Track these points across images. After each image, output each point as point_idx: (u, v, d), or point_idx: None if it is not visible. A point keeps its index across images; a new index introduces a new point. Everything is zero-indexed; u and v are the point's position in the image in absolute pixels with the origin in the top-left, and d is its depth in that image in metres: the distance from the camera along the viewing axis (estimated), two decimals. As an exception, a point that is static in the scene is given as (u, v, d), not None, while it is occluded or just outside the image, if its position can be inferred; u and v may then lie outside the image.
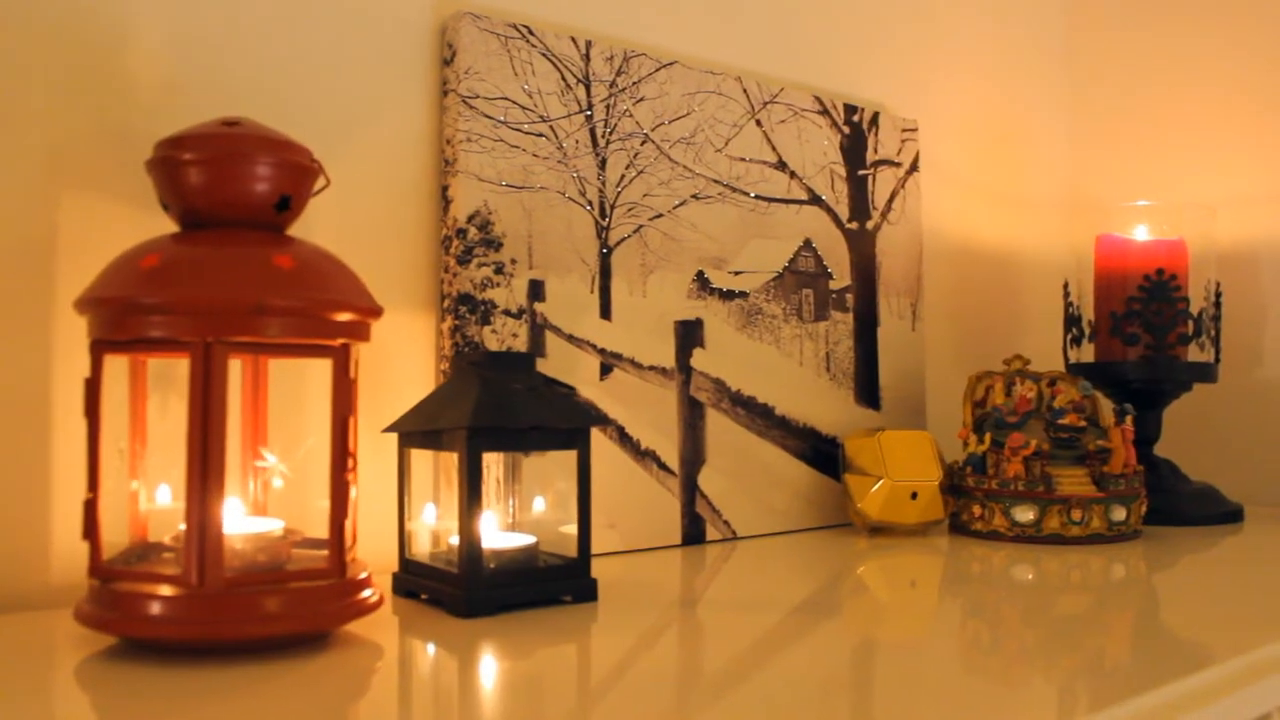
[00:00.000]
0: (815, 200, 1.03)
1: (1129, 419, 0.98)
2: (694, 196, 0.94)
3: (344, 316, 0.60)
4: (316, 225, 0.77)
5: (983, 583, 0.82)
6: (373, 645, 0.61)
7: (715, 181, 0.96)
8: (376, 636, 0.63)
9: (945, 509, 0.98)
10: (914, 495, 0.96)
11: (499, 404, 0.68)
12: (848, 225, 1.06)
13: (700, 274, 0.94)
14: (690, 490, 0.92)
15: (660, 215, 0.92)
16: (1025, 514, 0.94)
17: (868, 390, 1.06)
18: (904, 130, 1.12)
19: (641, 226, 0.91)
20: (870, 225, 1.08)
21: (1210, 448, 1.26)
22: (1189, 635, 0.65)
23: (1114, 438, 0.96)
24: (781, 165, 1.01)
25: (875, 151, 1.09)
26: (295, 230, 0.64)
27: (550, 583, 0.70)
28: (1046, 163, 1.37)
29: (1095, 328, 1.12)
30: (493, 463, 0.79)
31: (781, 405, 0.99)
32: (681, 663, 0.59)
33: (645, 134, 0.91)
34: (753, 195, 0.98)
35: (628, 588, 0.76)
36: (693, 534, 0.92)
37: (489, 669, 0.57)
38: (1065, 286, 1.14)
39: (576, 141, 0.87)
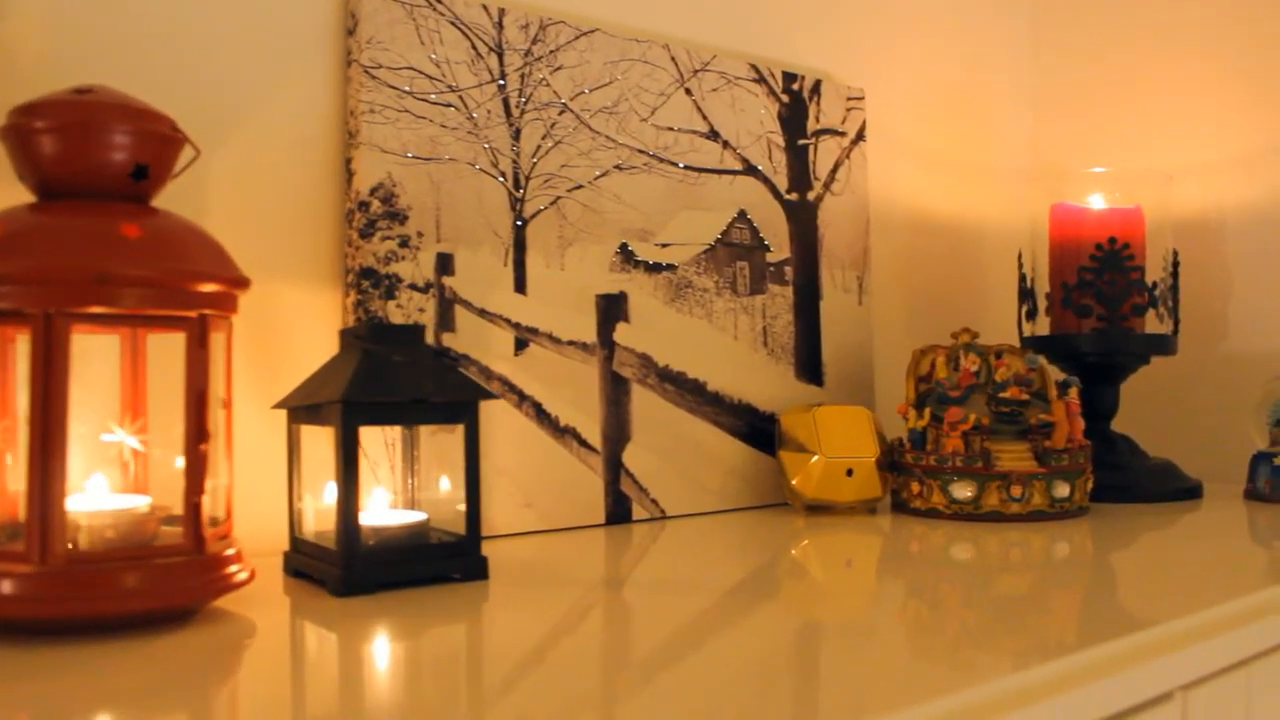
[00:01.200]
0: (751, 170, 1.00)
1: (1074, 391, 0.95)
2: (617, 167, 0.92)
3: (203, 287, 0.59)
4: (217, 200, 0.76)
5: (922, 562, 0.79)
6: (245, 622, 0.60)
7: (640, 152, 0.93)
8: (254, 614, 0.61)
9: (884, 486, 0.95)
10: (849, 472, 0.93)
11: (377, 377, 0.66)
12: (787, 196, 1.03)
13: (624, 246, 0.92)
14: (614, 468, 0.90)
15: (580, 186, 0.90)
16: (963, 491, 0.91)
17: (810, 366, 1.04)
18: (849, 99, 1.09)
19: (559, 198, 0.88)
20: (812, 196, 1.05)
21: (1170, 423, 1.22)
22: (1135, 613, 0.62)
23: (1057, 411, 0.93)
24: (714, 135, 0.98)
25: (817, 121, 1.06)
26: (191, 203, 0.63)
27: (437, 560, 0.68)
28: (1006, 131, 1.33)
29: (1050, 300, 1.08)
30: (395, 439, 0.78)
31: (714, 381, 0.96)
32: (582, 645, 0.57)
33: (564, 104, 0.89)
34: (681, 166, 0.96)
35: (536, 567, 0.74)
36: (618, 513, 0.90)
37: (362, 646, 0.56)
38: (1019, 257, 1.11)
39: (488, 112, 0.85)
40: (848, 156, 1.08)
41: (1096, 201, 1.08)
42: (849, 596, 0.68)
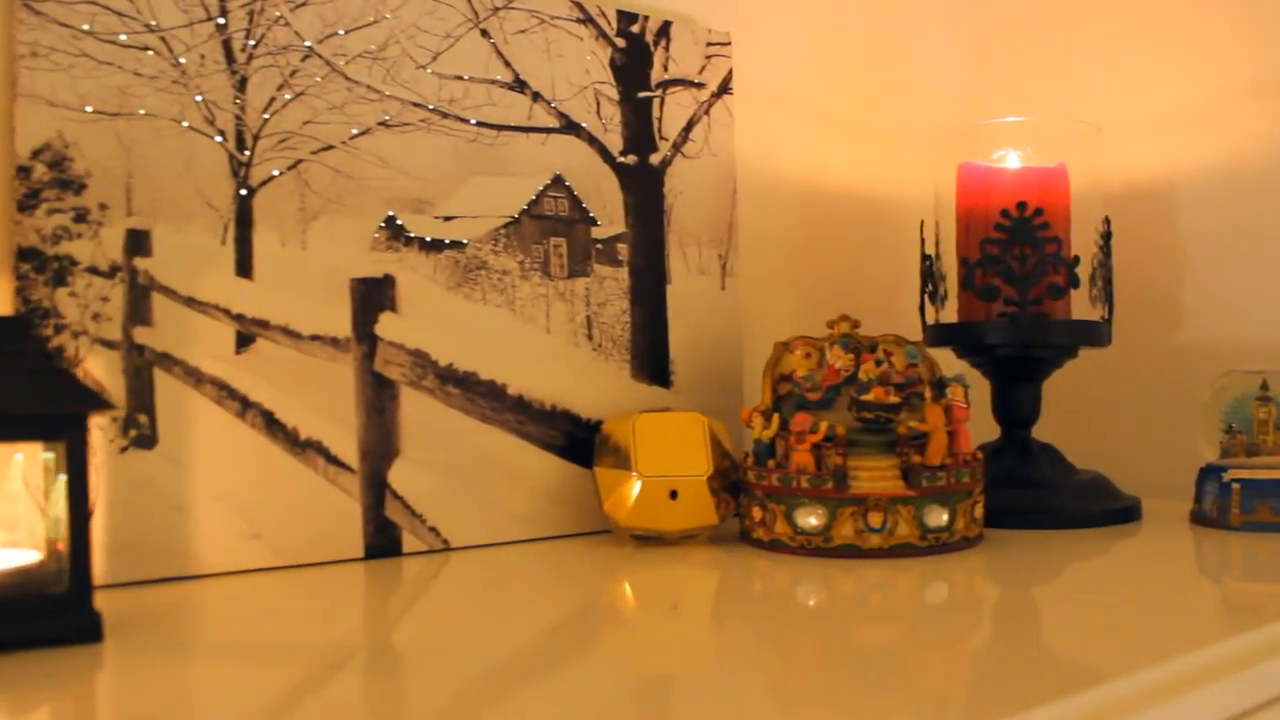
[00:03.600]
0: (571, 128, 0.83)
1: (957, 393, 0.76)
2: (383, 124, 0.75)
3: None
4: None
5: (763, 607, 0.63)
6: None
7: (417, 105, 0.77)
8: None
9: (721, 511, 0.78)
10: (673, 494, 0.76)
11: (-69, 383, 0.51)
12: (621, 159, 0.85)
13: (391, 219, 0.76)
14: (376, 490, 0.74)
15: (330, 148, 0.73)
16: (808, 518, 0.73)
17: (651, 363, 0.86)
18: (710, 44, 0.91)
19: (301, 161, 0.72)
20: (656, 160, 0.87)
21: (1107, 429, 1.01)
22: (1036, 675, 0.47)
23: (930, 418, 0.74)
24: (520, 85, 0.81)
25: (665, 69, 0.88)
26: None
27: (28, 619, 0.53)
28: (914, 82, 1.12)
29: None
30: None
31: (518, 382, 0.79)
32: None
33: (309, 47, 0.73)
34: (473, 122, 0.79)
35: (225, 618, 0.59)
36: (382, 545, 0.74)
37: None
38: (921, 230, 0.92)
39: (202, 57, 0.69)
40: (707, 112, 0.90)
41: (1012, 160, 0.89)
42: (674, 649, 0.54)
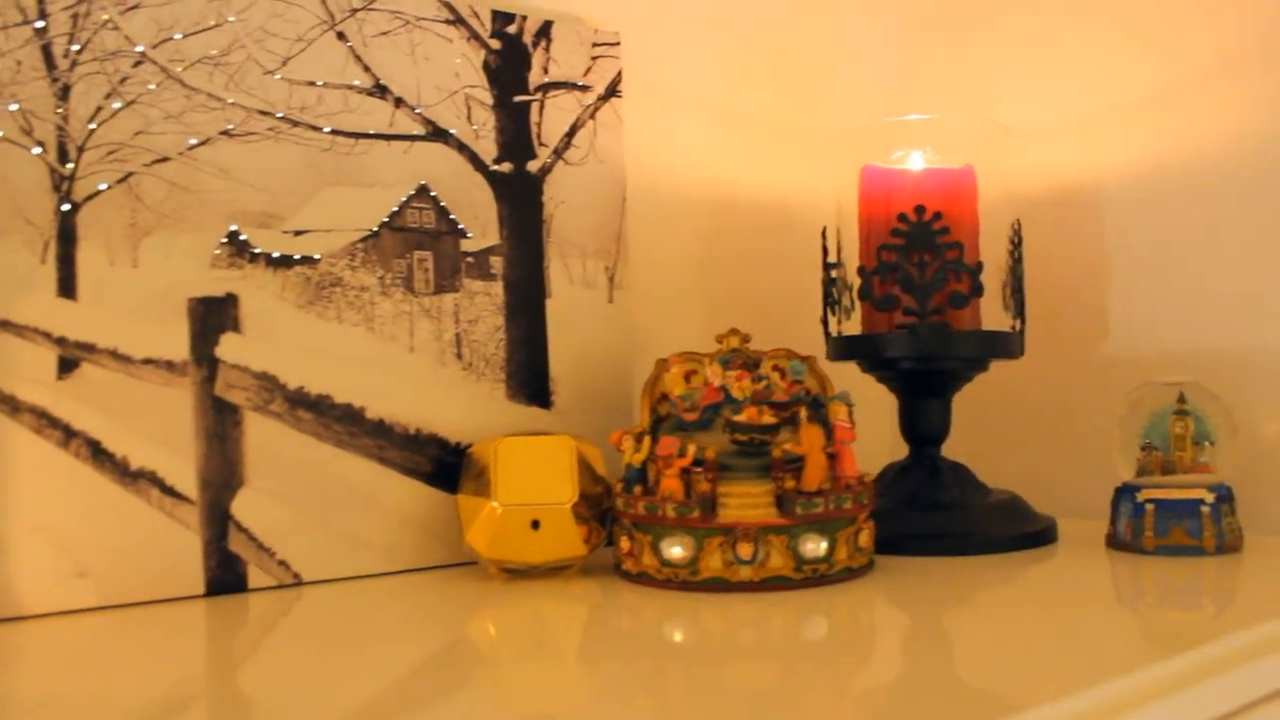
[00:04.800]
0: (438, 135, 0.79)
1: (838, 411, 0.71)
2: (225, 133, 0.71)
3: None
4: None
5: (632, 645, 0.59)
6: None
7: (264, 113, 0.72)
8: None
9: (591, 542, 0.73)
10: (535, 524, 0.71)
11: None
12: (494, 167, 0.81)
13: (234, 235, 0.71)
14: (218, 522, 0.69)
15: (165, 159, 0.69)
16: (672, 549, 0.68)
17: (530, 383, 0.81)
18: (596, 44, 0.86)
19: (132, 174, 0.68)
20: (535, 167, 0.83)
21: (1025, 446, 0.96)
22: (915, 713, 0.44)
23: (806, 439, 0.69)
24: (380, 91, 0.77)
25: (545, 72, 0.84)
26: None
27: None
28: (823, 82, 1.06)
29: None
30: None
31: (377, 406, 0.75)
32: None
33: (140, 52, 0.69)
34: (327, 130, 0.74)
35: (68, 664, 0.55)
36: (225, 580, 0.69)
37: None
38: (823, 237, 0.87)
39: (19, 63, 0.65)
40: (592, 116, 0.86)
41: (915, 162, 0.84)
42: (536, 692, 0.50)
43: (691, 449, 0.69)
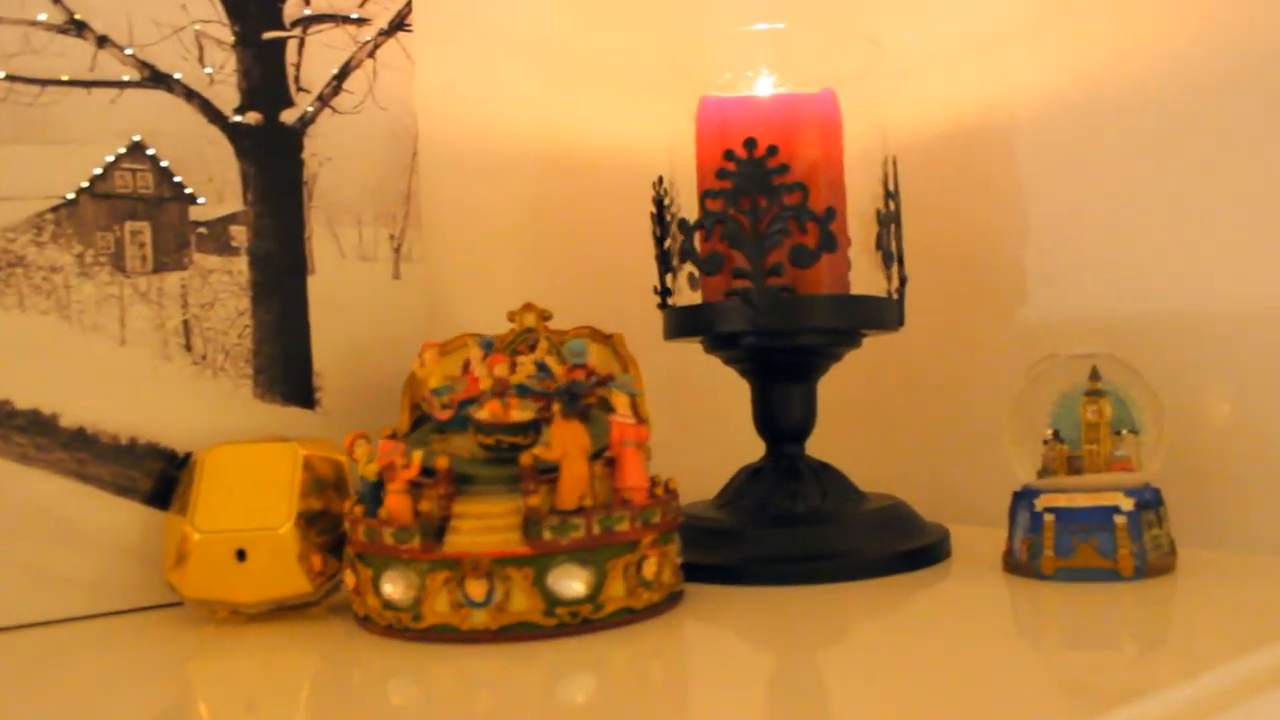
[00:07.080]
0: (157, 80, 0.65)
1: (619, 402, 0.55)
2: None
3: None
4: None
5: (359, 709, 0.45)
6: None
7: (-83, 59, 0.59)
8: None
9: (320, 577, 0.58)
10: (241, 554, 0.57)
11: None
12: (236, 119, 0.67)
13: (-126, 208, 0.58)
14: None
15: None
16: (392, 587, 0.53)
17: (287, 379, 0.67)
18: (376, -33, 0.72)
19: None
20: (292, 117, 0.68)
21: (907, 439, 0.78)
22: None
23: (557, 441, 0.53)
24: (76, 27, 0.63)
25: (306, 3, 0.69)
26: None
27: None
28: (674, 8, 0.89)
29: (704, 251, 0.68)
30: None
31: (75, 411, 0.61)
32: None
33: None
34: (2, 76, 0.61)
35: None
36: None
37: None
38: (656, 185, 0.70)
39: None
40: (371, 55, 0.71)
41: (762, 88, 0.67)
42: None
43: (417, 456, 0.54)
